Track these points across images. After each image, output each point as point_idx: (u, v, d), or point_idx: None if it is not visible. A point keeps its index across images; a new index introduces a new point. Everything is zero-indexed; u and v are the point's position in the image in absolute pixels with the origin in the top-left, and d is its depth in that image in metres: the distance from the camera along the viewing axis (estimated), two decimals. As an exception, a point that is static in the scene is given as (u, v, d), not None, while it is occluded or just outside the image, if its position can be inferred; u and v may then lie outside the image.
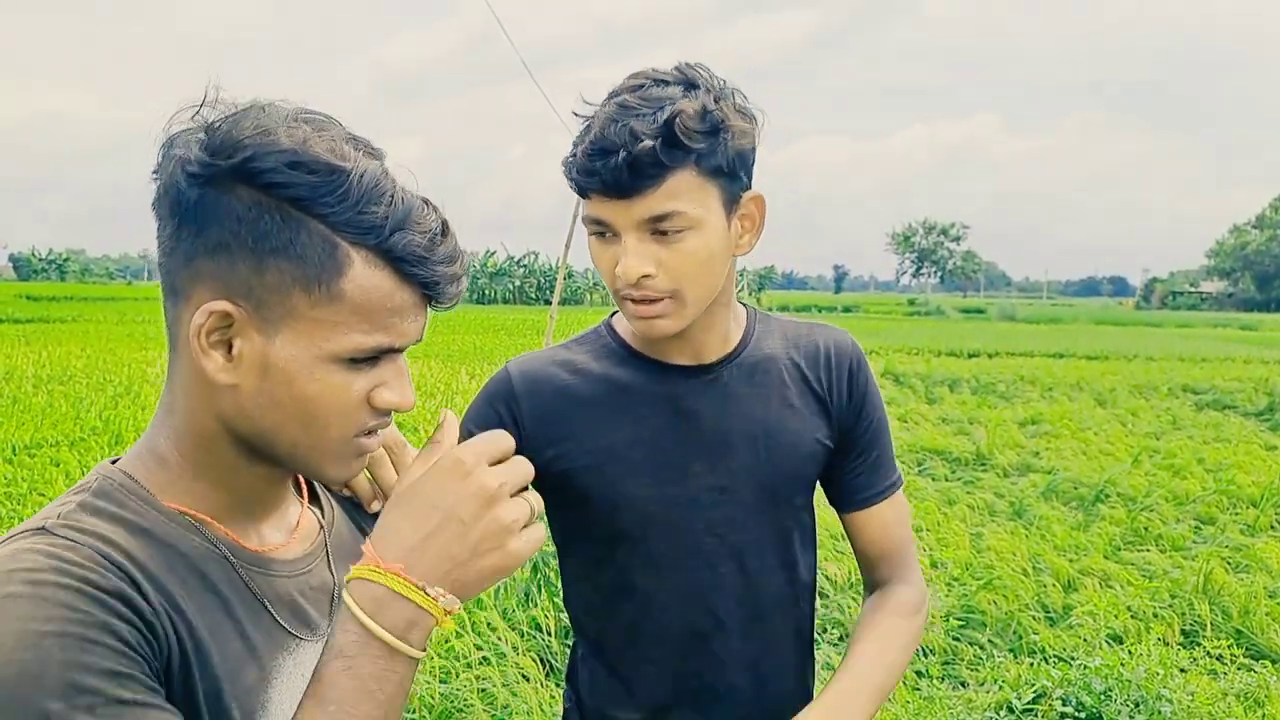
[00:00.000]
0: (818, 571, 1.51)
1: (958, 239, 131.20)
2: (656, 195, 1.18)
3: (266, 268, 0.82)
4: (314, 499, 1.08)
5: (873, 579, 1.48)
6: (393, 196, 0.84)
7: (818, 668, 1.58)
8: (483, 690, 4.09)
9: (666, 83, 1.22)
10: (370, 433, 0.91)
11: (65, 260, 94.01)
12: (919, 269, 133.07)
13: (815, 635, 1.57)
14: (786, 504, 1.40)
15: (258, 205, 0.82)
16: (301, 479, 1.05)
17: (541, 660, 4.44)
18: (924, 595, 1.45)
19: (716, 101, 1.22)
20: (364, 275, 0.83)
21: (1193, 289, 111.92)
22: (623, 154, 1.15)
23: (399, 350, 0.88)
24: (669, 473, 1.35)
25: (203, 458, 0.91)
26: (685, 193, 1.19)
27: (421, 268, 0.85)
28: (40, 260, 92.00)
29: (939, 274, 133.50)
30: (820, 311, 68.49)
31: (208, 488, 0.91)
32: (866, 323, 47.08)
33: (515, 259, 67.04)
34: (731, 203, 1.25)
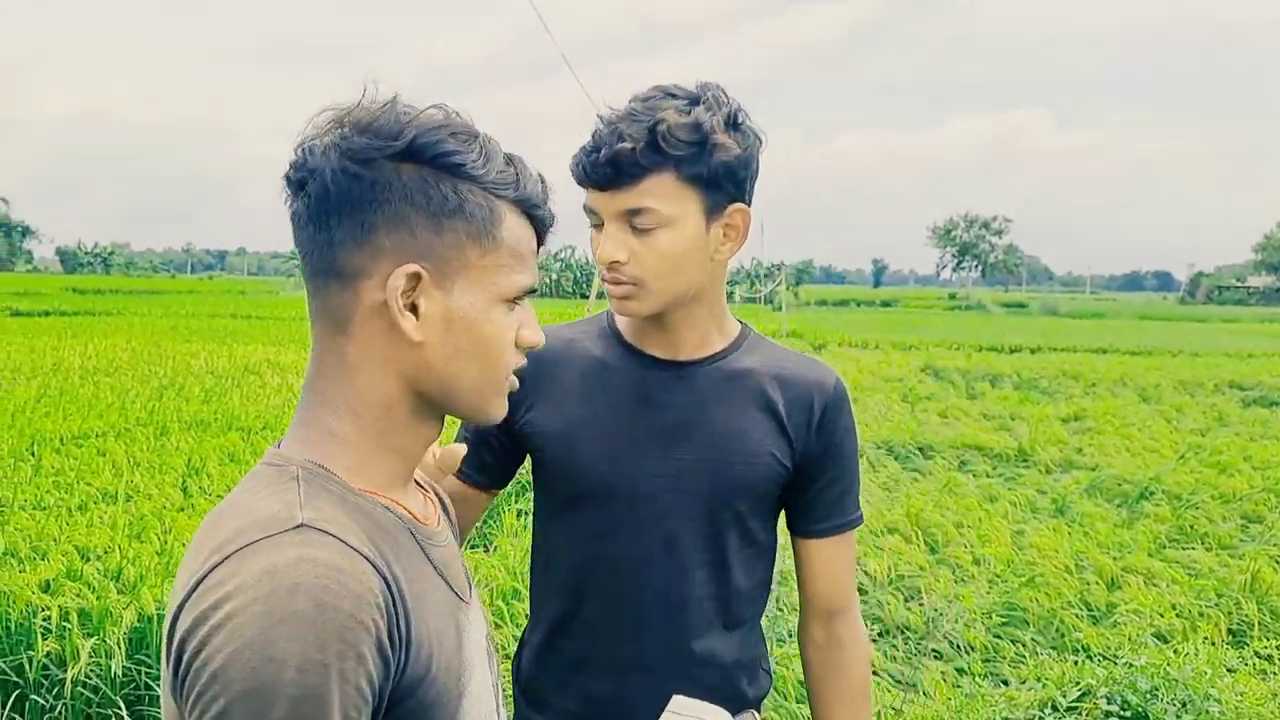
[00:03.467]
0: (770, 585, 1.61)
1: (1000, 233, 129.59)
2: (634, 191, 1.33)
3: (444, 229, 0.94)
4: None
5: (810, 609, 1.61)
6: (507, 156, 0.99)
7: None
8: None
9: (675, 96, 1.36)
10: (514, 371, 1.04)
11: (110, 254, 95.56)
12: (960, 263, 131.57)
13: (769, 635, 1.78)
14: (727, 507, 1.48)
15: (426, 177, 0.93)
16: None
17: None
18: (865, 637, 1.62)
19: (711, 117, 1.33)
20: (512, 223, 0.98)
21: (1239, 284, 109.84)
22: (605, 151, 1.32)
23: (534, 291, 1.02)
24: (624, 452, 1.47)
25: (382, 426, 0.98)
26: (661, 193, 1.33)
27: (543, 209, 1.01)
28: (86, 254, 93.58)
29: (980, 268, 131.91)
30: (859, 306, 68.11)
31: (383, 458, 0.99)
32: (906, 317, 46.72)
33: (553, 254, 67.32)
34: (713, 210, 1.37)
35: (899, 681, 4.87)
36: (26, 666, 4.51)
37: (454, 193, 0.94)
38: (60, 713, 4.43)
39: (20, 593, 4.76)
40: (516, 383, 1.04)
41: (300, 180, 0.94)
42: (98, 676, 4.45)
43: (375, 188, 0.92)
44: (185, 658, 0.79)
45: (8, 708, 4.43)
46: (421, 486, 1.14)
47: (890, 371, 18.26)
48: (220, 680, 0.76)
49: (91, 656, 4.43)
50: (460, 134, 0.94)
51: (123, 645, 4.48)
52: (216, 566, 0.82)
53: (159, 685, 4.55)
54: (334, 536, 0.85)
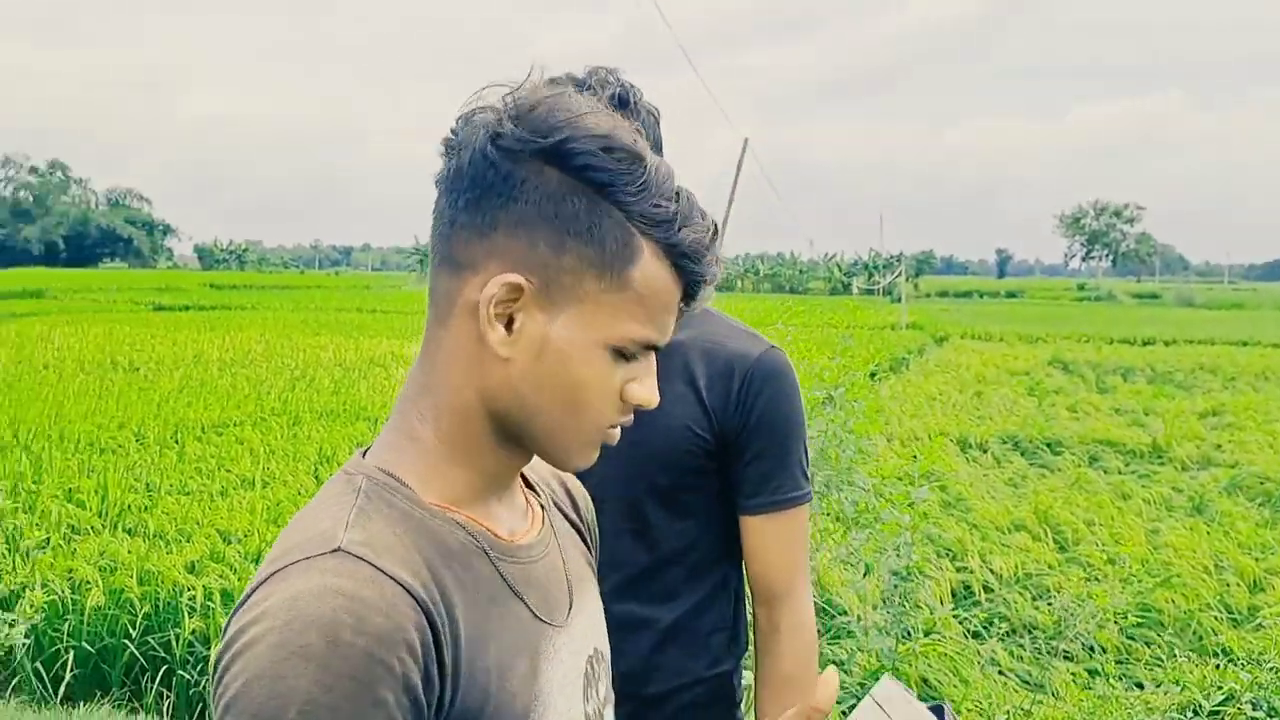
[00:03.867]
0: (729, 560, 1.60)
1: (1131, 221, 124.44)
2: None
3: (566, 249, 0.84)
4: (526, 481, 1.06)
5: (753, 590, 1.59)
6: (678, 192, 0.86)
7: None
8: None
9: (559, 85, 1.47)
10: (614, 425, 0.92)
11: (244, 251, 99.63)
12: (1089, 252, 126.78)
13: (733, 615, 1.63)
14: (644, 477, 1.52)
15: (565, 186, 0.84)
16: None
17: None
18: (807, 626, 1.56)
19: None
20: (650, 266, 0.86)
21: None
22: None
23: (659, 348, 0.90)
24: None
25: (459, 437, 0.90)
26: None
27: (698, 265, 0.87)
28: (222, 251, 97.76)
29: (1111, 257, 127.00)
30: (982, 297, 66.33)
31: (461, 471, 0.91)
32: (1032, 308, 45.33)
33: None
34: None
35: (1026, 682, 4.75)
36: (174, 643, 4.76)
37: (588, 212, 0.84)
38: (204, 688, 4.66)
39: (168, 573, 5.02)
40: (614, 437, 0.93)
41: (449, 148, 0.88)
42: (239, 654, 4.67)
43: (508, 181, 0.84)
44: (214, 675, 0.78)
45: (156, 682, 4.68)
46: (532, 487, 1.05)
47: (1016, 365, 17.77)
48: (232, 709, 0.73)
49: (232, 635, 4.64)
50: (621, 151, 0.83)
51: (262, 624, 4.69)
52: (259, 586, 0.79)
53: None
54: (370, 564, 0.79)
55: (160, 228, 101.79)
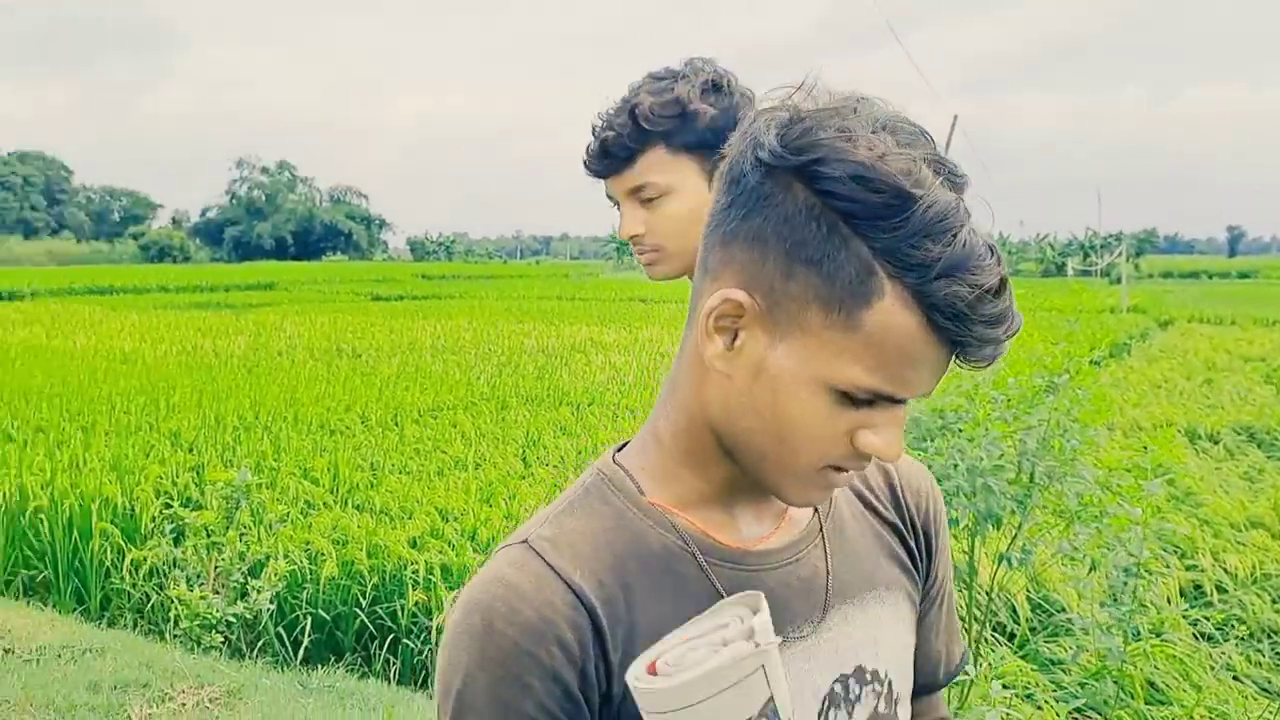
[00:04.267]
0: None
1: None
2: (631, 171, 1.46)
3: (794, 274, 0.78)
4: None
5: None
6: (954, 236, 0.75)
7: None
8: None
9: (658, 79, 1.47)
10: (841, 469, 0.85)
11: (452, 243, 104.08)
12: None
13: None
14: None
15: (809, 209, 0.77)
16: None
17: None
18: None
19: (687, 88, 1.44)
20: (891, 312, 0.76)
21: None
22: (596, 143, 1.47)
23: (899, 401, 0.81)
24: None
25: (688, 442, 0.90)
26: (656, 167, 1.45)
27: (957, 324, 0.76)
28: (432, 243, 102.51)
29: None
30: (1211, 278, 61.73)
31: (689, 475, 0.90)
32: (1267, 289, 41.87)
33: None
34: (712, 170, 1.43)
35: (1266, 690, 4.42)
36: (399, 613, 5.06)
37: (825, 241, 0.77)
38: (427, 657, 4.94)
39: (393, 547, 5.34)
40: (843, 480, 0.87)
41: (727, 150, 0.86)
42: (458, 626, 4.92)
43: (755, 194, 0.80)
44: None
45: (384, 649, 4.99)
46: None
47: (1250, 350, 16.45)
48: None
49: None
50: (879, 182, 0.74)
51: (478, 599, 4.92)
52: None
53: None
54: (543, 560, 0.83)
55: (377, 222, 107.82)
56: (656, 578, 0.86)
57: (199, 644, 4.50)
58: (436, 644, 4.85)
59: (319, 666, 4.65)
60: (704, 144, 1.45)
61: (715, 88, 1.47)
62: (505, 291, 37.17)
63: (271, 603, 4.81)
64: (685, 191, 1.46)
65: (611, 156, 1.47)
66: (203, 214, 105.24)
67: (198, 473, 6.87)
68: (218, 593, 4.88)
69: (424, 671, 4.92)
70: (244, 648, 4.89)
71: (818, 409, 0.80)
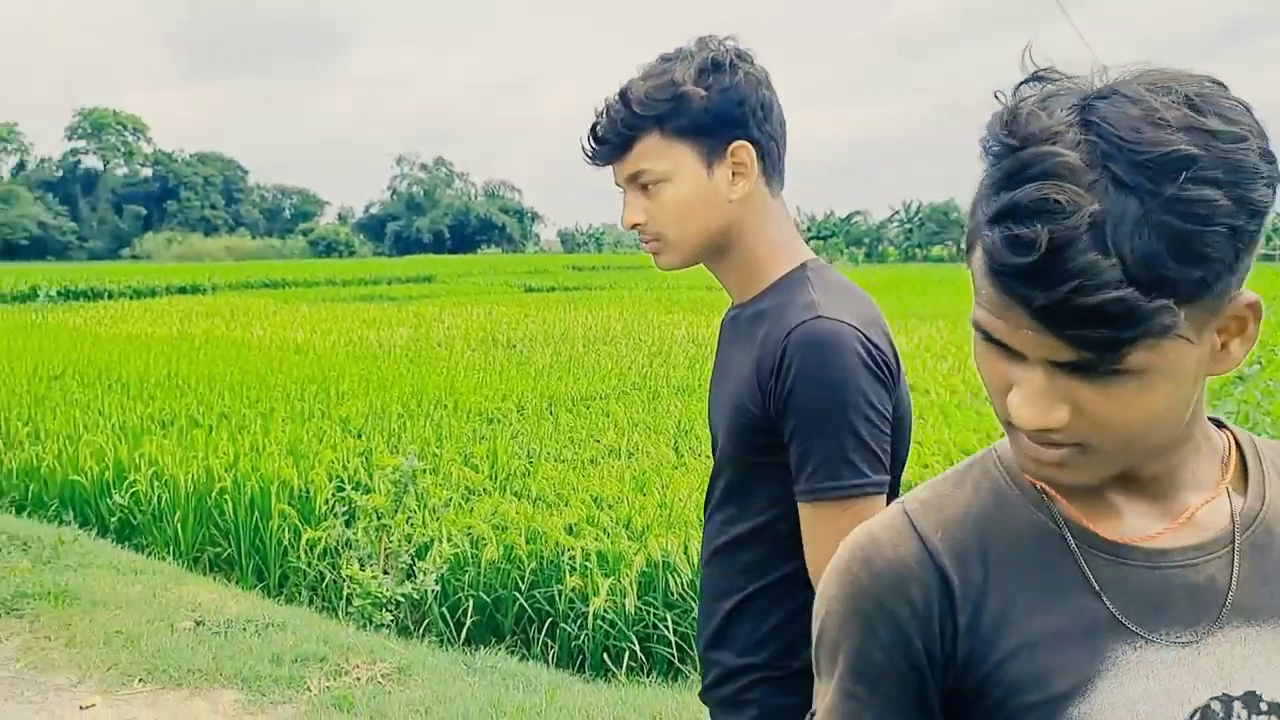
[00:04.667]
0: (793, 541, 1.40)
1: None
2: (627, 159, 1.43)
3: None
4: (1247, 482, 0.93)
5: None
6: (1020, 185, 0.73)
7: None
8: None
9: (666, 59, 1.44)
10: (1031, 439, 0.83)
11: (601, 234, 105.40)
12: None
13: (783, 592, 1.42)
14: (736, 453, 1.45)
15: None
16: (1232, 459, 0.93)
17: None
18: None
19: (684, 70, 1.40)
20: (979, 254, 0.77)
21: None
22: (592, 131, 1.45)
23: (1001, 343, 0.79)
24: (712, 399, 1.56)
25: None
26: (652, 153, 1.41)
27: (996, 271, 0.75)
28: (582, 234, 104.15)
29: None
30: None
31: None
32: None
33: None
34: (711, 155, 1.41)
35: None
36: (556, 598, 5.18)
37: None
38: (584, 642, 5.04)
39: (550, 533, 5.46)
40: (1045, 455, 0.83)
41: None
42: (614, 612, 5.00)
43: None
44: None
45: (542, 633, 5.12)
46: (1254, 490, 0.91)
47: None
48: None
49: (609, 595, 4.97)
50: (999, 137, 0.75)
51: (634, 587, 4.98)
52: None
53: (665, 627, 5.03)
54: (909, 521, 0.90)
55: (529, 215, 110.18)
56: (1021, 554, 0.88)
57: (370, 621, 4.71)
58: (594, 630, 4.95)
59: (480, 647, 4.79)
60: (700, 128, 1.40)
61: (716, 67, 1.41)
62: (655, 282, 37.39)
63: (436, 584, 4.99)
64: (682, 178, 1.42)
65: (607, 143, 1.44)
66: (366, 210, 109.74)
67: (366, 458, 7.19)
68: (387, 573, 5.10)
69: (581, 656, 5.02)
70: (410, 626, 5.09)
71: (978, 354, 0.83)
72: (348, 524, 5.79)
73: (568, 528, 5.63)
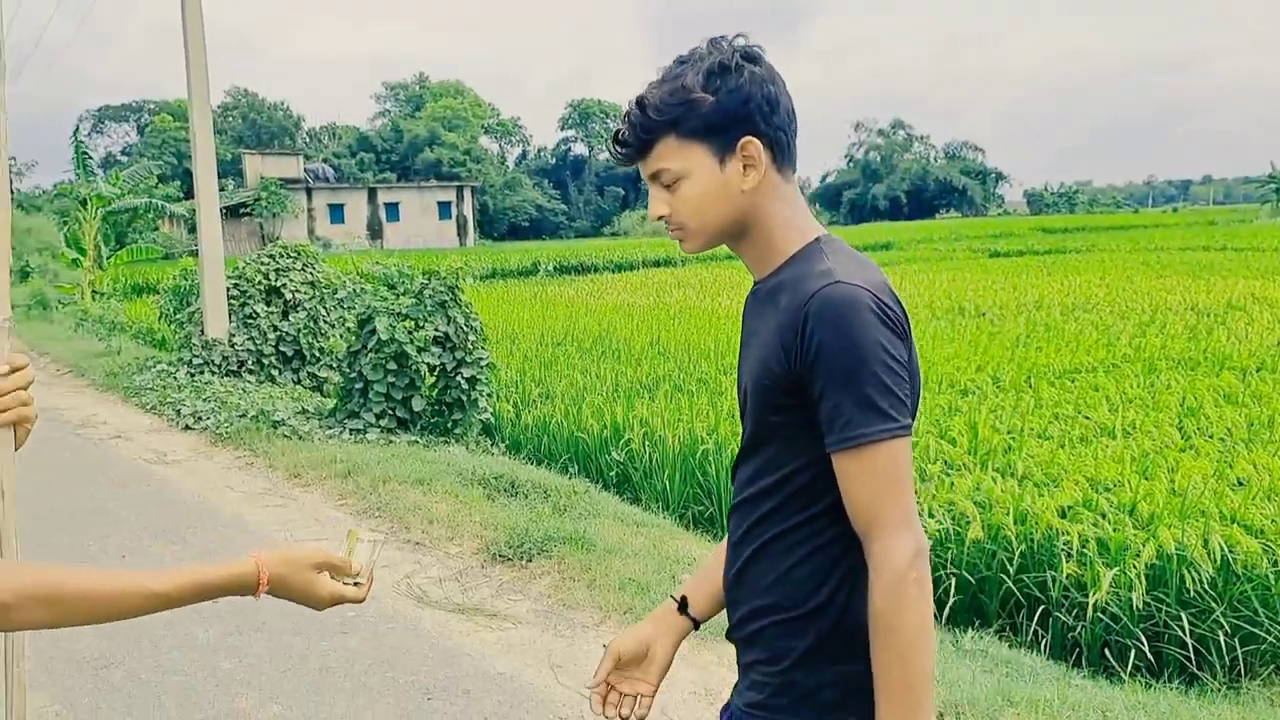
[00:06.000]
0: (811, 492, 1.55)
1: None
2: (648, 159, 1.57)
3: None
4: None
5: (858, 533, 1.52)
6: None
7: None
8: None
9: (683, 61, 1.56)
10: None
11: (1074, 193, 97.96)
12: None
13: (839, 552, 1.52)
14: (759, 411, 1.57)
15: None
16: None
17: None
18: (893, 563, 1.43)
19: (693, 76, 1.51)
20: None
21: None
22: (615, 136, 1.61)
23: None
24: (741, 365, 1.68)
25: None
26: (669, 154, 1.54)
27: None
28: (1051, 194, 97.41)
29: None
30: None
31: None
32: None
33: None
34: (723, 152, 1.53)
35: None
36: (1049, 585, 4.85)
37: None
38: (1080, 634, 4.68)
39: (1042, 515, 5.12)
40: None
41: None
42: (1117, 606, 4.58)
43: None
44: None
45: (1034, 621, 4.82)
46: None
47: None
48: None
49: (1111, 586, 4.56)
50: None
51: (1142, 580, 4.53)
52: None
53: (1178, 627, 4.52)
54: None
55: (993, 176, 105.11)
56: None
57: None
58: (1093, 623, 4.58)
59: (965, 630, 4.62)
60: (711, 129, 1.53)
61: (723, 70, 1.52)
62: (1139, 243, 34.07)
63: (920, 560, 4.88)
64: (698, 174, 1.55)
65: (629, 146, 1.58)
66: (823, 180, 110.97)
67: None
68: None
69: (1077, 649, 4.67)
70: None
71: None
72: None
73: (1060, 510, 5.26)
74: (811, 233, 1.60)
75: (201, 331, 11.11)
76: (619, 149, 1.62)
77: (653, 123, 1.56)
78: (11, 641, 1.41)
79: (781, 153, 1.58)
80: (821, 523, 1.53)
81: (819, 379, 1.46)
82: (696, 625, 1.79)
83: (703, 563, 1.90)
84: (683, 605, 1.80)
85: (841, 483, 1.48)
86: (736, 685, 1.65)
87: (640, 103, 1.57)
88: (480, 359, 8.55)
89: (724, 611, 1.73)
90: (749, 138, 1.54)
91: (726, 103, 1.52)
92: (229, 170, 57.31)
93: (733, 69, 1.54)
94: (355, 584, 1.51)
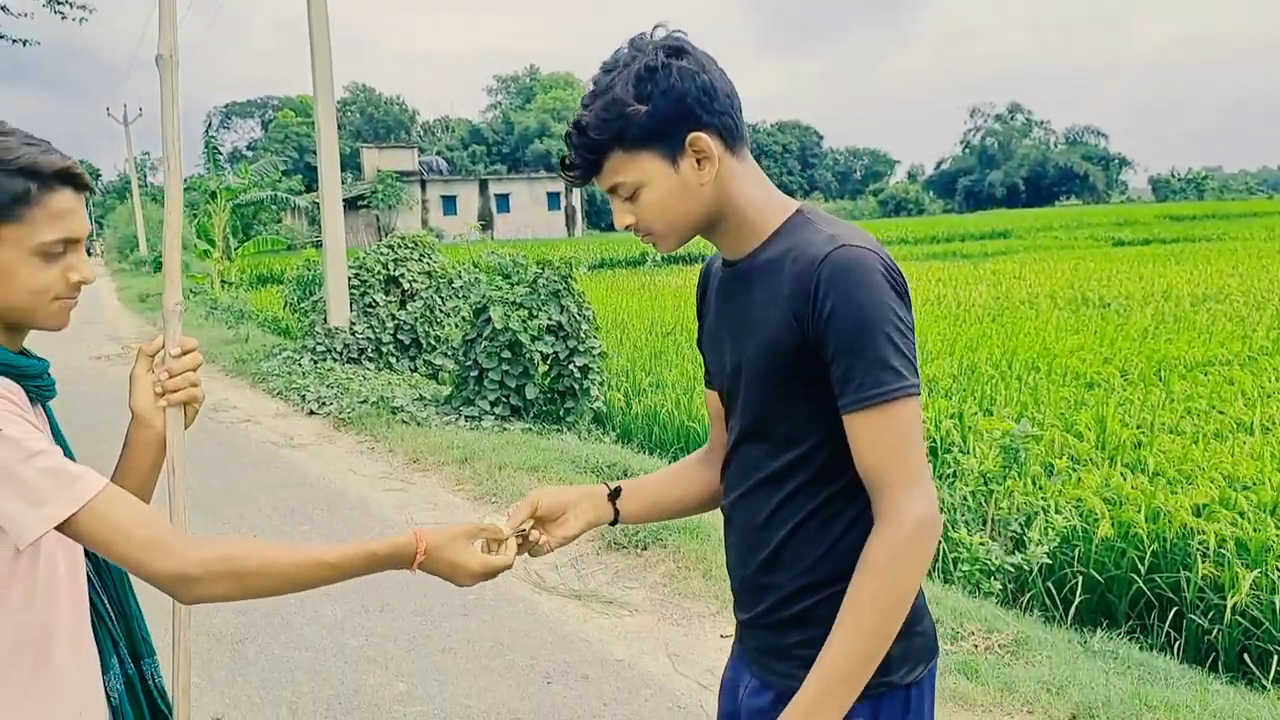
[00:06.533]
0: (836, 465, 1.54)
1: None
2: (601, 177, 1.56)
3: None
4: None
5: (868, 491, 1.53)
6: None
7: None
8: None
9: (609, 70, 1.54)
10: None
11: (1203, 179, 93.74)
12: None
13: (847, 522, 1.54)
14: (768, 389, 1.56)
15: None
16: None
17: None
18: (900, 517, 1.44)
19: (623, 87, 1.50)
20: None
21: None
22: (562, 161, 1.60)
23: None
24: (719, 347, 1.68)
25: None
26: (619, 168, 1.53)
27: None
28: (1178, 180, 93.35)
29: None
30: None
31: None
32: None
33: None
34: (672, 153, 1.52)
35: None
36: (1183, 585, 4.66)
37: None
38: (1216, 637, 4.48)
39: (1175, 513, 4.92)
40: None
41: None
42: (1258, 609, 4.37)
43: None
44: None
45: (1166, 623, 4.64)
46: None
47: None
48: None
49: (1252, 589, 4.36)
50: None
51: (1285, 583, 4.32)
52: None
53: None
54: None
55: (1116, 161, 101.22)
56: None
57: (978, 589, 4.61)
58: (1231, 625, 4.38)
59: (1093, 630, 4.46)
60: (653, 136, 1.50)
61: (651, 73, 1.49)
62: (1275, 230, 32.44)
63: (1045, 557, 4.74)
64: (653, 181, 1.53)
65: (577, 169, 1.56)
66: (937, 166, 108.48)
67: (958, 419, 7.07)
68: (994, 539, 4.95)
69: (1211, 653, 4.48)
70: (1010, 599, 4.90)
71: None
72: (950, 486, 5.73)
73: (1195, 508, 5.05)
74: (789, 206, 1.60)
75: (324, 320, 11.47)
76: (569, 173, 1.60)
77: (594, 143, 1.53)
78: (179, 613, 1.47)
79: (731, 136, 1.55)
80: (853, 492, 1.53)
81: (832, 341, 1.47)
82: (614, 522, 1.81)
83: (644, 476, 1.90)
84: (614, 495, 1.80)
85: (854, 444, 1.49)
86: (760, 676, 1.63)
87: (578, 125, 1.55)
88: (593, 348, 8.62)
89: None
90: (695, 133, 1.52)
91: (662, 106, 1.50)
92: (348, 163, 58.98)
93: (660, 69, 1.51)
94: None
